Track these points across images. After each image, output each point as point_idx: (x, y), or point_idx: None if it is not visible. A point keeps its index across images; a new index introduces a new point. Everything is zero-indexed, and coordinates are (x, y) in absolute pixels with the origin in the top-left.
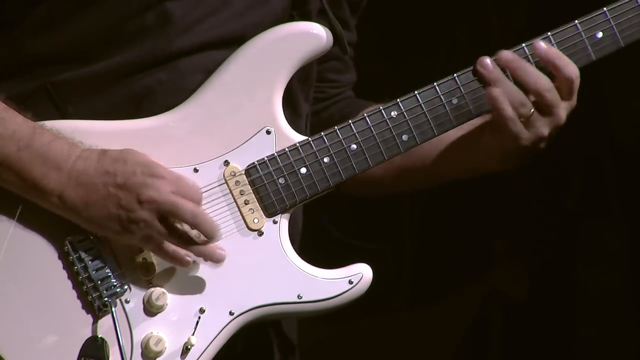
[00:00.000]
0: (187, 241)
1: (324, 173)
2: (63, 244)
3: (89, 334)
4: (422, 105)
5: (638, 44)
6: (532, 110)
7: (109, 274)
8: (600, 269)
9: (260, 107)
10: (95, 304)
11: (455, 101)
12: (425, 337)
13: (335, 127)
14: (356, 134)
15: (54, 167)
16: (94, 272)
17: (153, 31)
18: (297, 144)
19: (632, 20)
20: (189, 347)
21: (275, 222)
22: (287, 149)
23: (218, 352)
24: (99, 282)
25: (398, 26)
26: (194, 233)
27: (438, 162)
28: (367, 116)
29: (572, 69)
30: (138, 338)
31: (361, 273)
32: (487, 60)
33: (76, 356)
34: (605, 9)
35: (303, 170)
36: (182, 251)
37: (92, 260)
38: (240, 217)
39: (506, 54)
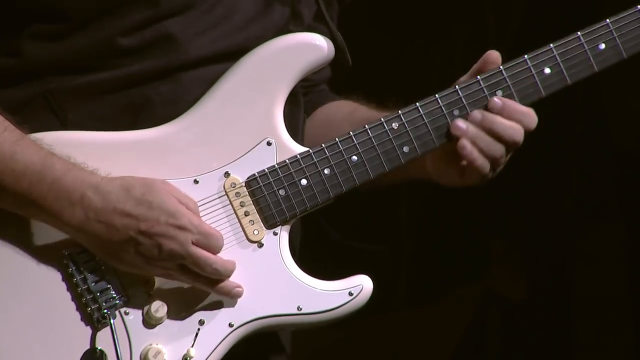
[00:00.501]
0: (205, 284)
1: (324, 184)
2: (62, 256)
3: (88, 346)
4: (424, 116)
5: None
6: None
7: (108, 286)
8: (598, 269)
9: (260, 119)
10: (95, 316)
11: (456, 112)
12: (423, 338)
13: (337, 139)
14: (357, 145)
15: (68, 203)
16: (93, 284)
17: (153, 47)
18: (298, 156)
19: (635, 32)
20: (188, 359)
21: (275, 234)
22: (287, 161)
23: None
24: (98, 294)
25: (395, 25)
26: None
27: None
28: (369, 128)
29: (531, 120)
30: (137, 350)
31: (361, 285)
32: (459, 123)
33: None
34: (608, 20)
35: (303, 181)
36: None
37: (91, 272)
38: (241, 229)
39: (475, 114)
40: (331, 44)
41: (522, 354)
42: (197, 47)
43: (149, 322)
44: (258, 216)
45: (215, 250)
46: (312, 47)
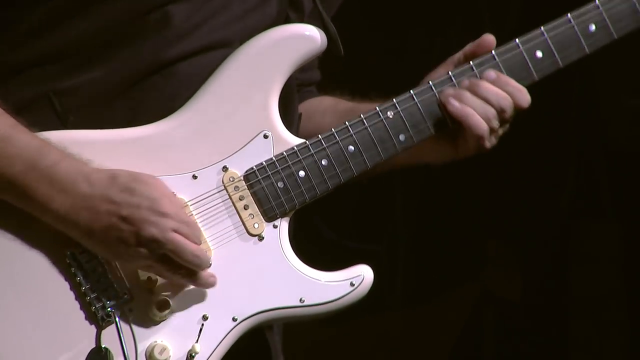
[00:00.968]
0: (186, 275)
1: (322, 176)
2: (65, 255)
3: (93, 345)
4: (418, 103)
5: (631, 39)
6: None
7: (111, 284)
8: (594, 268)
9: (256, 112)
10: (99, 315)
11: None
12: (419, 338)
13: (333, 129)
14: (353, 135)
15: (60, 190)
16: (96, 283)
17: (153, 34)
18: (295, 148)
19: (625, 12)
20: (193, 354)
21: (275, 227)
22: (285, 153)
23: (222, 358)
24: (102, 293)
25: (392, 24)
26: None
27: None
28: (365, 117)
29: (523, 97)
30: (142, 347)
31: (362, 275)
32: (447, 89)
33: None
34: (597, 1)
35: (301, 173)
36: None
37: (94, 271)
38: (240, 223)
39: (463, 82)
40: (324, 34)
41: (518, 354)
42: (195, 36)
43: (153, 319)
44: (257, 209)
45: (194, 239)
46: (304, 37)
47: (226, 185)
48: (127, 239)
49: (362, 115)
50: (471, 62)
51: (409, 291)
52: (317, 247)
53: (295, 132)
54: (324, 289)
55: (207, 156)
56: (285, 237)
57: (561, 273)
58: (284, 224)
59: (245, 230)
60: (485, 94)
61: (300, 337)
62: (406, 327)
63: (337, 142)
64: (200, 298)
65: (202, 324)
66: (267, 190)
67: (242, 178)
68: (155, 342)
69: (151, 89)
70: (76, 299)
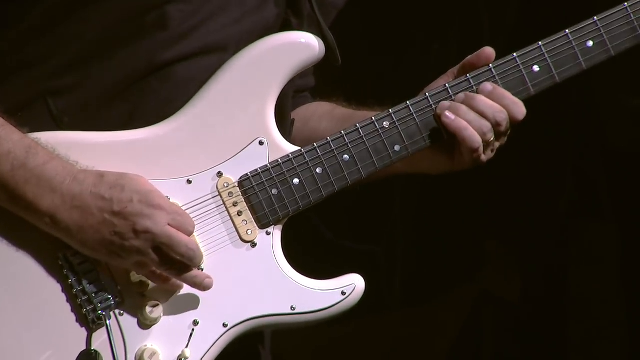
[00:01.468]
0: (179, 271)
1: (316, 184)
2: (57, 257)
3: (83, 348)
4: (414, 115)
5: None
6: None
7: (103, 287)
8: (592, 269)
9: (252, 118)
10: (90, 317)
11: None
12: (418, 338)
13: (328, 138)
14: (348, 144)
15: (48, 189)
16: (87, 285)
17: (150, 35)
18: (290, 155)
19: (623, 29)
20: (183, 359)
21: (268, 234)
22: (280, 160)
23: None
24: (93, 295)
25: (390, 25)
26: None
27: None
28: (360, 127)
29: (519, 110)
30: (132, 351)
31: (354, 284)
32: (443, 103)
33: None
34: (595, 18)
35: (296, 180)
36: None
37: (85, 273)
38: (234, 229)
39: (459, 96)
40: (322, 42)
41: (517, 354)
42: (192, 39)
43: (144, 323)
44: (251, 216)
45: (188, 231)
46: (302, 45)
47: (220, 191)
48: (121, 233)
49: (357, 125)
50: (468, 75)
51: (408, 291)
52: (315, 248)
53: (288, 138)
54: (315, 297)
55: (202, 161)
56: (278, 244)
57: (560, 273)
58: (277, 232)
59: (238, 237)
60: (481, 107)
61: (298, 337)
62: (405, 328)
63: (332, 150)
64: (191, 303)
65: (193, 329)
66: (261, 197)
67: (236, 184)
68: (146, 346)
69: (147, 92)
70: (67, 301)
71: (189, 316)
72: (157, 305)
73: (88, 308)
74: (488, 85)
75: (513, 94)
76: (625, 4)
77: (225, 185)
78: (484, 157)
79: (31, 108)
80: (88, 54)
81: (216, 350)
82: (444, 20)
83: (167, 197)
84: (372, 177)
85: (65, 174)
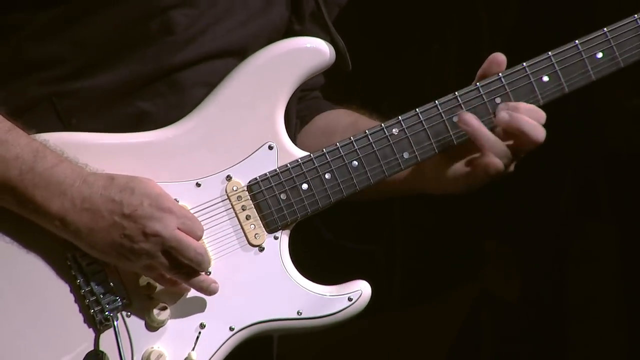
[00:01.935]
0: (187, 275)
1: (325, 190)
2: (65, 258)
3: (90, 348)
4: (423, 122)
5: None
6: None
7: (111, 289)
8: (592, 269)
9: (262, 123)
10: (97, 318)
11: (456, 119)
12: (417, 338)
13: (337, 144)
14: (357, 151)
15: (58, 192)
16: (95, 286)
17: (156, 40)
18: (299, 160)
19: (633, 42)
20: None
21: (276, 238)
22: (289, 165)
23: None
24: (101, 296)
25: (389, 26)
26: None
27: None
28: (369, 134)
29: (539, 134)
30: (139, 352)
31: (360, 290)
32: (502, 113)
33: None
34: (605, 29)
35: (304, 186)
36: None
37: (93, 274)
38: (242, 233)
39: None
40: (332, 48)
41: (516, 354)
42: (199, 43)
43: (151, 325)
44: (259, 220)
45: (197, 236)
46: (313, 51)
47: (229, 194)
48: (131, 236)
49: (367, 131)
50: (477, 84)
51: (407, 291)
52: (315, 248)
53: (294, 140)
54: (322, 302)
55: (211, 165)
56: (285, 249)
57: (559, 273)
58: (284, 236)
59: (246, 241)
60: (525, 129)
61: (299, 338)
62: (404, 328)
63: (341, 156)
64: (198, 306)
65: (199, 332)
66: (269, 201)
67: (245, 188)
68: (152, 348)
69: (155, 96)
70: (75, 301)
71: (195, 319)
72: (165, 307)
73: (96, 309)
74: (504, 114)
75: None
76: (635, 15)
77: (234, 189)
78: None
79: (38, 109)
80: (94, 59)
81: (222, 353)
82: (443, 21)
83: (176, 199)
84: (375, 194)
85: (75, 176)
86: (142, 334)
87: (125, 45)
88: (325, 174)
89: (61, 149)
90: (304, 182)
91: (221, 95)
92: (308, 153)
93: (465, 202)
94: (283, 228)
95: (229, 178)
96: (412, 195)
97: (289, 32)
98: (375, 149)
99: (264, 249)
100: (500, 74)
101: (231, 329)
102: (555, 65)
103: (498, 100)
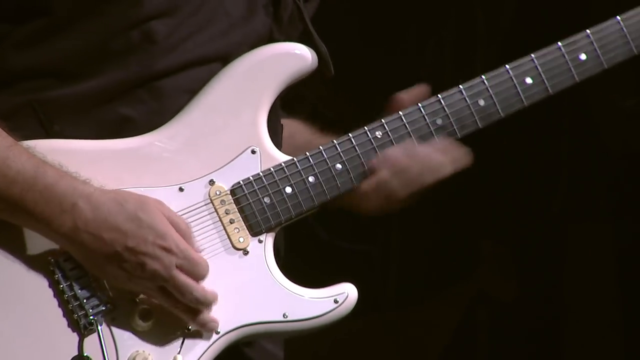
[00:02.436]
0: (184, 311)
1: (309, 192)
2: (48, 262)
3: (74, 353)
4: (407, 125)
5: None
6: None
7: (95, 293)
8: (587, 269)
9: (245, 127)
10: (81, 323)
11: (439, 122)
12: (413, 338)
13: (320, 147)
14: (341, 154)
15: (59, 211)
16: (79, 291)
17: (138, 50)
18: (283, 164)
19: (615, 43)
20: None
21: (260, 242)
22: (272, 169)
23: None
24: (85, 301)
25: (385, 25)
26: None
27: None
28: (352, 137)
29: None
30: (124, 356)
31: (346, 292)
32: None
33: None
34: (588, 31)
35: (288, 189)
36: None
37: (77, 279)
38: (226, 236)
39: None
40: (314, 53)
41: (512, 354)
42: (180, 52)
43: (135, 329)
44: (243, 224)
45: (198, 277)
46: (295, 56)
47: (212, 198)
48: (129, 269)
49: (350, 135)
50: (460, 86)
51: (403, 292)
52: (310, 248)
53: (280, 148)
54: (307, 305)
55: (194, 169)
56: (270, 252)
57: (555, 273)
58: (269, 239)
59: (230, 244)
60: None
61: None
62: (400, 328)
63: (325, 159)
64: None
65: (185, 336)
66: (253, 205)
67: (228, 192)
68: (137, 351)
69: (137, 103)
70: (59, 306)
71: (181, 322)
72: (150, 311)
73: (79, 313)
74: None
75: (506, 106)
76: (617, 17)
77: (218, 193)
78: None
79: (20, 116)
80: (76, 68)
81: (209, 357)
82: (438, 20)
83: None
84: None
85: (77, 195)
86: (126, 338)
87: (107, 54)
88: (308, 177)
89: (44, 154)
90: (288, 186)
91: (204, 100)
92: (291, 157)
93: (461, 202)
94: (267, 231)
95: (212, 182)
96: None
97: (271, 40)
98: (359, 151)
99: (248, 252)
100: (483, 76)
101: (217, 332)
102: (538, 67)
103: (482, 102)
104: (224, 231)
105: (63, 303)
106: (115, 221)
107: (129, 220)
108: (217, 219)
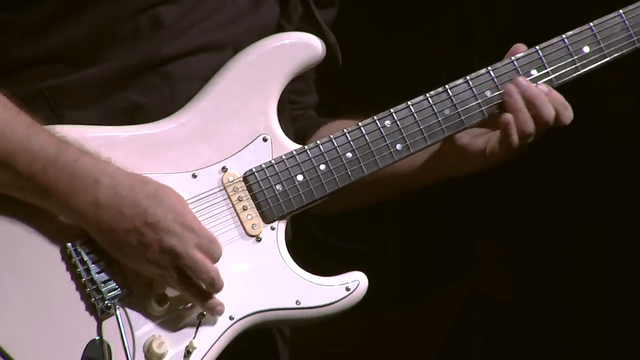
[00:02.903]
0: (196, 294)
1: (320, 180)
2: (66, 246)
3: (91, 336)
4: (415, 115)
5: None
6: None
7: (111, 277)
8: (583, 269)
9: (256, 115)
10: (98, 307)
11: (447, 112)
12: (408, 338)
13: (331, 136)
14: (351, 143)
15: (81, 187)
16: (96, 275)
17: (145, 35)
18: (294, 152)
19: (618, 35)
20: (191, 350)
21: (273, 229)
22: (283, 157)
23: (218, 356)
24: (102, 285)
25: (381, 26)
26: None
27: (411, 172)
28: (362, 126)
29: (569, 115)
30: (140, 341)
31: (358, 280)
32: (514, 89)
33: (80, 358)
34: (591, 24)
35: (300, 177)
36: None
37: (94, 263)
38: (240, 223)
39: (532, 89)
40: (323, 43)
41: (508, 354)
42: (188, 37)
43: (151, 314)
44: (256, 211)
45: (214, 258)
46: (304, 45)
47: (225, 185)
48: (147, 245)
49: (359, 124)
50: (446, 86)
51: (398, 292)
52: (306, 247)
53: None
54: (320, 291)
55: (207, 156)
56: (282, 239)
57: (551, 274)
58: (281, 226)
59: (244, 231)
60: (539, 103)
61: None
62: (395, 328)
63: (335, 148)
64: None
65: (200, 321)
66: (265, 192)
67: (241, 179)
68: (153, 336)
69: (148, 89)
70: (76, 290)
71: (195, 308)
72: (165, 296)
73: (97, 297)
74: (544, 87)
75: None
76: (620, 11)
77: (230, 179)
78: (515, 154)
79: (32, 104)
80: (85, 54)
81: (223, 342)
82: (435, 18)
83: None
84: (407, 185)
85: (98, 172)
86: (142, 322)
87: (115, 40)
88: (319, 165)
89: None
90: (299, 174)
91: (215, 88)
92: (302, 146)
93: (457, 202)
94: (280, 219)
95: (224, 169)
96: (438, 183)
97: (279, 30)
98: (369, 141)
99: (261, 239)
100: (489, 68)
101: (231, 318)
102: (543, 59)
103: (488, 93)
104: (237, 218)
105: (80, 287)
106: (135, 197)
107: (150, 197)
108: (231, 205)
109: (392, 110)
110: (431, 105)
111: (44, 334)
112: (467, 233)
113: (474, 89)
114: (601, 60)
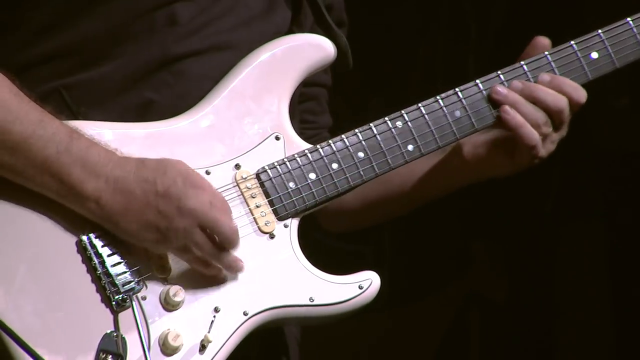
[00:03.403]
0: (218, 254)
1: (332, 179)
2: (81, 239)
3: (106, 329)
4: (426, 116)
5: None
6: (551, 128)
7: (126, 271)
8: (579, 269)
9: (269, 114)
10: (114, 299)
11: (457, 114)
12: (404, 339)
13: (343, 136)
14: (363, 143)
15: (93, 172)
16: (111, 267)
17: (160, 32)
18: (306, 151)
19: (626, 42)
20: (206, 344)
21: (286, 226)
22: (296, 155)
23: (233, 351)
24: (117, 278)
25: (378, 27)
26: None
27: (419, 185)
28: (374, 126)
29: (582, 93)
30: (156, 334)
31: (370, 279)
32: (500, 88)
33: (95, 350)
34: (599, 31)
35: (312, 175)
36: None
37: (109, 256)
38: (253, 220)
39: (516, 84)
40: (334, 45)
41: (503, 354)
42: (202, 36)
43: (167, 307)
44: (269, 208)
45: (229, 214)
46: (316, 46)
47: (238, 182)
48: (166, 214)
49: (371, 124)
50: (457, 89)
51: (395, 292)
52: (302, 248)
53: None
54: (333, 289)
55: (220, 153)
56: (295, 236)
57: (547, 273)
58: (294, 224)
59: (257, 228)
60: (542, 95)
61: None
62: (392, 328)
63: (347, 147)
64: (212, 290)
65: (214, 315)
66: (278, 190)
67: (254, 176)
68: (169, 329)
69: (161, 86)
70: (92, 282)
71: (210, 302)
72: (180, 290)
73: (112, 290)
74: (546, 76)
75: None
76: (628, 19)
77: (244, 177)
78: (543, 152)
79: (48, 100)
80: (100, 50)
81: (237, 337)
82: (430, 19)
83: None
84: (431, 194)
85: (108, 158)
86: (158, 316)
87: (130, 36)
88: (332, 164)
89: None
90: (312, 172)
91: (228, 86)
92: (314, 145)
93: (453, 203)
94: (293, 216)
95: (237, 167)
96: (462, 187)
97: (291, 32)
98: (380, 141)
99: (274, 236)
100: (499, 72)
101: (245, 313)
102: (552, 64)
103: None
104: (250, 214)
105: (96, 280)
106: (141, 174)
107: (154, 170)
108: (244, 202)
109: (403, 111)
110: (441, 107)
111: (60, 325)
112: (463, 233)
113: (484, 92)
114: (610, 67)
